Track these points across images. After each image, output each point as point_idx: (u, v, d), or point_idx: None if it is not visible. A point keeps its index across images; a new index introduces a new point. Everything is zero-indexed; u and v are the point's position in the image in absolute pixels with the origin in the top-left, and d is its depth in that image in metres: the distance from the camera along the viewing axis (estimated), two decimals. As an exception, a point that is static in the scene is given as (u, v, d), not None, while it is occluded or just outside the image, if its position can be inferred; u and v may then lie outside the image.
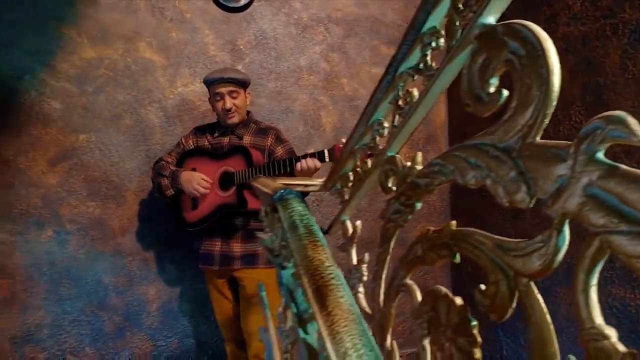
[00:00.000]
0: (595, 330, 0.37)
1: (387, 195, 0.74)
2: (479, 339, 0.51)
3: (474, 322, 0.52)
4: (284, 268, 0.70)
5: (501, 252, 0.48)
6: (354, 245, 0.91)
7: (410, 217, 0.69)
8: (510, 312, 0.47)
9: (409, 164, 0.68)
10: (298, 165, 1.60)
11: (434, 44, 0.63)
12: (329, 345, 0.41)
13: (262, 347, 1.62)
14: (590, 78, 1.71)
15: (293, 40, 2.24)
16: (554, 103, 0.42)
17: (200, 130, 1.86)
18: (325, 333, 0.43)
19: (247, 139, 1.79)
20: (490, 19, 0.52)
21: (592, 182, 0.35)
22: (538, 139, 0.43)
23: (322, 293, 0.46)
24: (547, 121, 0.43)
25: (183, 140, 1.85)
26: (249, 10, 2.17)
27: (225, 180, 1.71)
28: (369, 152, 0.85)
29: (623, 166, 0.33)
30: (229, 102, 1.70)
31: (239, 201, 1.66)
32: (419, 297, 0.66)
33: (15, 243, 1.83)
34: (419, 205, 0.67)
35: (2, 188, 1.81)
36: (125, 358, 1.99)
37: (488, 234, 0.51)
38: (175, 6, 2.07)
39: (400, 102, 0.72)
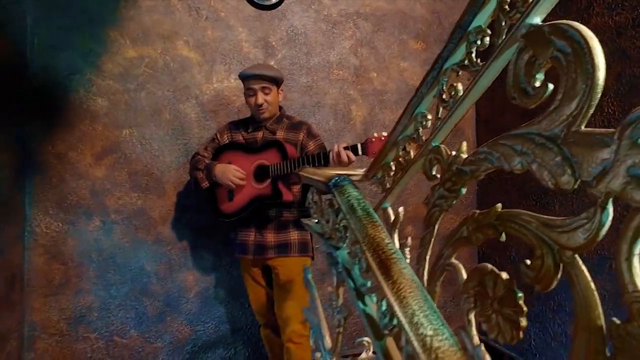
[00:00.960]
0: (638, 293, 0.42)
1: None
2: (525, 308, 0.57)
3: (520, 294, 0.58)
4: (337, 249, 0.77)
5: (547, 229, 0.53)
6: (396, 230, 0.97)
7: (454, 202, 0.75)
8: (555, 282, 0.53)
9: (454, 152, 0.74)
10: (331, 157, 1.63)
11: (479, 42, 0.68)
12: (397, 309, 0.48)
13: (296, 331, 1.70)
14: (624, 68, 1.71)
15: (323, 35, 2.30)
16: (599, 95, 0.47)
17: (234, 125, 1.92)
18: (392, 299, 0.49)
19: (280, 134, 1.83)
20: (537, 19, 0.57)
21: (635, 164, 0.40)
22: (583, 127, 0.49)
23: (385, 265, 0.53)
24: (591, 111, 0.48)
25: (218, 135, 1.91)
26: (280, 7, 2.24)
27: (260, 173, 1.76)
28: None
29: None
30: (260, 98, 1.75)
31: (274, 192, 1.71)
32: (464, 274, 0.71)
33: (68, 231, 1.96)
34: (463, 191, 0.73)
35: (56, 180, 1.95)
36: (166, 341, 2.10)
37: (533, 214, 0.56)
38: (210, 5, 2.16)
39: (444, 96, 0.78)
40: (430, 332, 0.44)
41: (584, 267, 0.49)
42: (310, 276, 1.12)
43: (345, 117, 2.30)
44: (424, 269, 0.84)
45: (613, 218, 0.46)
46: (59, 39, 1.94)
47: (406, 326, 0.45)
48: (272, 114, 1.83)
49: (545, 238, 0.53)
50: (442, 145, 0.78)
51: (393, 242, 0.60)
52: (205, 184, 1.80)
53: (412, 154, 0.92)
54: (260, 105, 1.76)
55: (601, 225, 0.45)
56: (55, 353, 1.94)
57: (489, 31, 0.67)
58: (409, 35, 2.42)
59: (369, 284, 0.64)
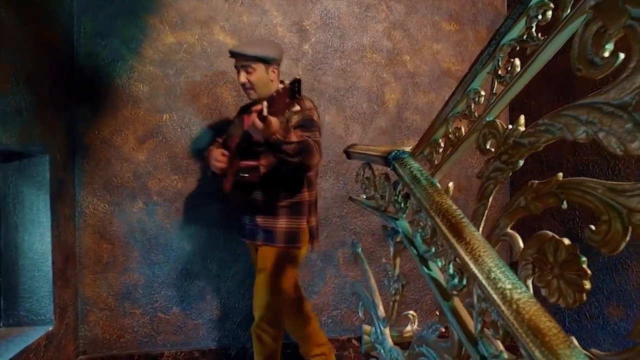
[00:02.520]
0: None
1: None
2: (589, 272, 0.59)
3: (584, 258, 0.60)
4: (396, 219, 0.81)
5: (614, 194, 0.55)
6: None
7: (510, 174, 0.77)
8: (623, 245, 0.55)
9: (510, 126, 0.76)
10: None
11: (540, 16, 0.69)
12: (472, 267, 0.51)
13: (259, 325, 1.68)
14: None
15: (356, 19, 2.30)
16: (673, 63, 0.48)
17: (242, 109, 1.88)
18: (467, 258, 0.52)
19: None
20: (606, -11, 0.58)
21: None
22: (655, 94, 0.50)
23: (457, 229, 0.56)
24: (664, 79, 0.49)
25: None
26: (313, -9, 2.25)
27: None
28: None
29: None
30: (242, 77, 1.63)
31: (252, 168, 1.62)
32: (521, 243, 0.74)
33: (114, 212, 2.06)
34: (521, 163, 0.75)
35: (103, 163, 2.04)
36: (205, 318, 2.19)
37: (598, 180, 0.58)
38: (245, -9, 2.19)
39: (500, 72, 0.79)
40: (509, 286, 0.47)
41: (655, 232, 0.52)
42: (359, 250, 1.16)
43: (379, 100, 2.31)
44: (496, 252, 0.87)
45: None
46: (103, 27, 2.01)
47: (484, 282, 0.49)
48: (262, 95, 1.64)
49: (612, 203, 0.55)
50: (497, 120, 0.80)
51: (481, 237, 0.63)
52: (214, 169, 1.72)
53: (463, 130, 0.94)
54: (243, 85, 1.65)
55: (674, 186, 0.47)
56: (105, 326, 2.05)
57: (552, 5, 0.68)
58: (442, 17, 2.40)
59: (433, 249, 0.68)
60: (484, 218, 0.85)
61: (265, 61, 1.63)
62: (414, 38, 2.36)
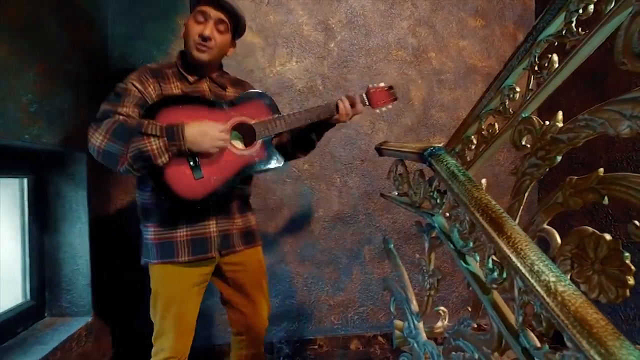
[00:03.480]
0: None
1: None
2: (633, 268, 0.59)
3: (627, 254, 0.60)
4: (432, 215, 0.82)
5: (659, 189, 0.55)
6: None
7: (547, 169, 0.77)
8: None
9: (547, 122, 0.76)
10: (341, 107, 1.42)
11: (581, 11, 0.69)
12: (514, 260, 0.52)
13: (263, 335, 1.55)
14: None
15: (381, 16, 2.30)
16: None
17: (158, 74, 1.32)
18: (508, 252, 0.53)
19: (230, 91, 1.43)
20: (652, -17, 0.58)
21: None
22: None
23: (497, 223, 0.57)
24: None
25: (136, 86, 1.26)
26: (339, -11, 2.26)
27: (239, 135, 1.37)
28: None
29: None
30: (210, 30, 1.28)
31: (271, 157, 1.34)
32: (559, 239, 0.74)
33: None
34: (558, 159, 0.75)
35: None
36: (234, 312, 2.23)
37: (640, 175, 0.58)
38: (271, -9, 2.22)
39: (536, 68, 0.79)
40: (553, 279, 0.48)
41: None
42: (392, 246, 1.17)
43: (404, 98, 2.31)
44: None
45: None
46: (135, 30, 2.07)
47: (527, 274, 0.49)
48: (212, 60, 1.34)
49: (658, 198, 0.55)
50: (533, 116, 0.80)
51: (522, 230, 0.63)
52: (165, 159, 1.14)
53: (496, 126, 0.94)
54: (206, 39, 1.28)
55: None
56: (143, 318, 2.12)
57: (593, -1, 0.68)
58: (467, 13, 2.38)
59: (470, 244, 0.68)
60: (519, 214, 0.86)
61: (237, 29, 1.42)
62: (440, 35, 2.34)
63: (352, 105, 1.46)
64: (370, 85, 1.55)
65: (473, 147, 1.03)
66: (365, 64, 2.28)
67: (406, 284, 1.05)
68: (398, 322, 1.13)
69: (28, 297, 1.72)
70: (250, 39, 2.19)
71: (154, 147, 1.12)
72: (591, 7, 0.68)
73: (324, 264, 2.26)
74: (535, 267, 0.49)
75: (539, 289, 0.48)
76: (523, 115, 0.83)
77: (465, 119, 1.02)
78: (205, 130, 1.18)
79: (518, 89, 0.87)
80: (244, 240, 1.41)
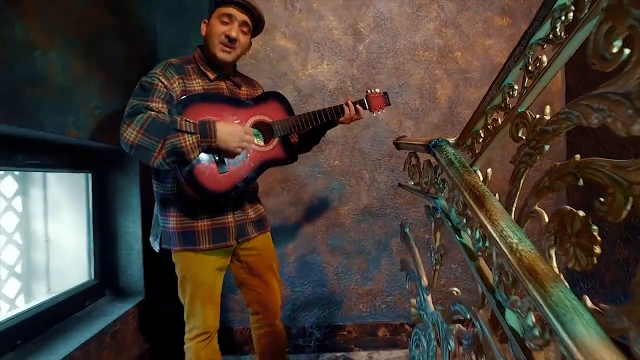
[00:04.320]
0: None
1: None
2: (599, 239, 0.69)
3: (595, 227, 0.69)
4: (436, 198, 0.93)
5: (618, 169, 0.65)
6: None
7: (538, 158, 0.87)
8: (624, 214, 0.64)
9: (538, 116, 0.86)
10: (346, 110, 1.56)
11: (563, 18, 0.79)
12: (489, 228, 0.64)
13: (278, 318, 1.70)
14: None
15: (408, 19, 2.40)
16: (666, 57, 0.58)
17: (181, 71, 1.41)
18: (486, 222, 0.65)
19: (244, 90, 1.55)
20: (615, -6, 0.67)
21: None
22: (652, 83, 0.59)
23: (480, 200, 0.68)
24: (658, 70, 0.59)
25: (163, 82, 1.33)
26: (367, -5, 2.39)
27: (258, 133, 1.49)
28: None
29: None
30: (236, 31, 1.38)
31: (289, 154, 1.48)
32: (547, 218, 0.84)
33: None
34: (546, 148, 0.84)
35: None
36: (269, 298, 2.41)
37: (607, 159, 0.68)
38: (304, -1, 2.37)
39: (530, 68, 0.89)
40: (515, 240, 0.59)
41: (648, 197, 0.61)
42: (407, 230, 1.28)
43: (431, 97, 2.40)
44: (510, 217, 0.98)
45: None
46: (179, 39, 2.29)
47: (497, 239, 0.61)
48: (234, 60, 1.47)
49: (616, 177, 0.65)
50: (527, 111, 0.90)
51: (500, 205, 0.74)
52: (196, 154, 1.24)
53: (499, 121, 1.04)
54: (232, 40, 1.38)
55: (662, 160, 0.57)
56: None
57: (573, 7, 0.77)
58: (494, 12, 2.43)
59: (464, 220, 0.79)
60: (517, 198, 0.96)
61: (257, 30, 1.53)
62: (465, 34, 2.41)
63: (356, 111, 1.59)
64: (369, 91, 1.67)
65: (481, 140, 1.14)
66: (393, 65, 2.39)
67: (418, 262, 1.16)
68: (414, 301, 1.25)
69: (92, 276, 1.96)
70: (283, 44, 2.36)
71: (188, 143, 1.20)
72: (570, 14, 0.78)
73: (353, 255, 2.39)
74: (504, 233, 0.61)
75: (504, 249, 0.59)
76: (519, 110, 0.93)
77: (473, 115, 1.13)
78: (233, 132, 1.28)
79: (516, 87, 0.97)
80: (256, 227, 1.55)
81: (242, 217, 1.49)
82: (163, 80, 1.33)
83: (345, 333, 2.39)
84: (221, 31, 1.38)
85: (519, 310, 0.59)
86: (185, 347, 1.54)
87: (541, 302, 0.50)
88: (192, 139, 1.21)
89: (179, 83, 1.37)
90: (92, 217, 1.97)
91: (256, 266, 1.59)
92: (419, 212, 2.41)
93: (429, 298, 1.07)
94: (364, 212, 2.39)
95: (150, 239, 1.56)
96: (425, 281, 1.11)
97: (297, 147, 1.67)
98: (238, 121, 1.38)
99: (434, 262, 1.00)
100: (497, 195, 1.07)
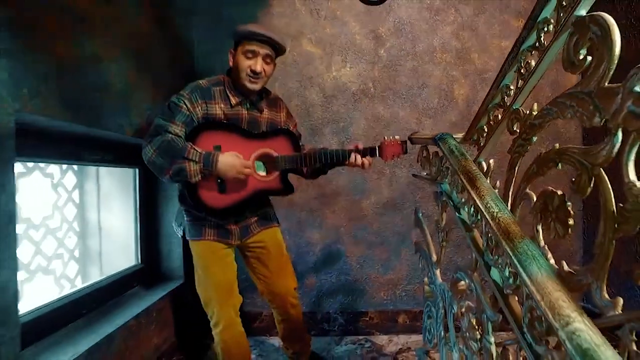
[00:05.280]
0: (631, 183, 0.68)
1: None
2: (572, 212, 0.83)
3: (569, 203, 0.84)
4: (442, 184, 1.09)
5: (585, 155, 0.79)
6: (488, 177, 1.25)
7: (528, 148, 1.01)
8: (588, 191, 0.79)
9: (528, 111, 1.01)
10: (352, 158, 1.60)
11: (545, 29, 0.94)
12: (478, 202, 0.80)
13: (292, 299, 1.85)
14: None
15: (426, 23, 2.55)
16: (616, 62, 0.72)
17: (206, 94, 1.56)
18: (476, 198, 0.81)
19: (266, 113, 1.70)
20: (582, 11, 0.83)
21: (632, 103, 0.66)
22: (606, 84, 0.74)
23: (472, 181, 0.83)
24: (611, 73, 0.74)
25: (187, 105, 1.52)
26: (387, 2, 2.54)
27: (262, 163, 1.63)
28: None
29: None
30: (260, 65, 1.53)
31: (286, 187, 1.62)
32: (535, 198, 0.98)
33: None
34: (534, 139, 0.99)
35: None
36: (298, 286, 2.59)
37: (578, 146, 0.82)
38: (328, 7, 2.55)
39: (522, 70, 1.04)
40: (496, 210, 0.75)
41: (606, 177, 0.75)
42: (420, 215, 1.44)
43: (449, 96, 2.53)
44: (508, 200, 1.12)
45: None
46: (215, 46, 2.51)
47: (483, 210, 0.77)
48: (261, 87, 1.62)
49: (583, 160, 0.80)
50: (520, 107, 1.05)
51: (488, 184, 0.90)
52: (198, 178, 1.46)
53: (499, 117, 1.19)
54: (258, 74, 1.54)
55: (613, 145, 0.71)
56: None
57: (552, 20, 0.92)
58: (510, 14, 2.54)
59: (462, 199, 0.95)
60: (512, 184, 1.11)
61: (278, 56, 1.66)
62: (482, 37, 2.53)
63: (362, 164, 1.61)
64: (385, 138, 1.65)
65: (485, 134, 1.29)
66: (412, 67, 2.53)
67: (429, 242, 1.32)
68: (426, 279, 1.40)
69: (139, 261, 2.20)
70: (310, 49, 2.54)
71: (191, 169, 1.43)
72: (551, 27, 0.92)
73: (375, 245, 2.55)
74: (488, 205, 0.76)
75: (488, 217, 0.75)
76: (514, 107, 1.08)
77: (477, 113, 1.28)
78: (233, 164, 1.46)
79: (512, 87, 1.12)
80: (259, 223, 1.73)
81: (245, 223, 1.69)
82: (187, 103, 1.51)
83: (367, 319, 2.54)
84: (247, 65, 1.53)
85: (500, 266, 0.75)
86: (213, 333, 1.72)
87: (511, 253, 0.66)
88: (196, 167, 1.43)
89: (201, 107, 1.54)
90: (139, 208, 2.20)
91: (264, 258, 1.76)
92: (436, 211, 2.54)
93: (438, 272, 1.22)
94: (385, 205, 2.55)
95: (173, 225, 1.81)
96: (434, 257, 1.27)
97: (301, 174, 1.82)
98: (242, 155, 1.53)
99: (441, 239, 1.15)
100: (498, 182, 1.22)
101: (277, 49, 1.61)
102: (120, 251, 2.17)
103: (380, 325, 2.52)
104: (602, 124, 0.75)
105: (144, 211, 2.24)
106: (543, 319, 0.58)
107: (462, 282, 1.00)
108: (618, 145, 0.72)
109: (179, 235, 1.74)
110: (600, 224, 0.76)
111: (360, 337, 2.40)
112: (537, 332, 0.60)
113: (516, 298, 0.73)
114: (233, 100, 1.59)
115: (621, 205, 0.73)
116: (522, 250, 0.65)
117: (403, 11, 2.55)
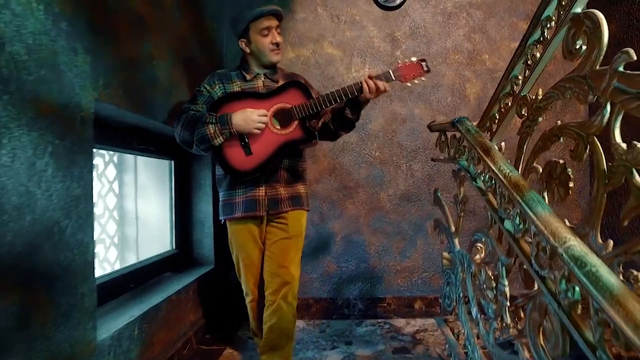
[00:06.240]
0: (617, 144, 0.84)
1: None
2: (572, 176, 0.99)
3: (569, 169, 1.00)
4: (460, 161, 1.26)
5: (581, 127, 0.95)
6: (499, 158, 1.42)
7: (535, 128, 1.18)
8: (584, 157, 0.95)
9: (534, 96, 1.17)
10: (365, 87, 1.58)
11: (548, 25, 1.10)
12: (492, 167, 0.96)
13: (293, 292, 1.71)
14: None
15: (440, 26, 2.72)
16: (604, 49, 0.88)
17: (223, 77, 1.75)
18: (490, 164, 0.97)
19: (282, 82, 1.73)
20: (578, 9, 0.99)
21: (617, 81, 0.82)
22: (597, 67, 0.90)
23: (487, 151, 1.00)
24: (601, 58, 0.90)
25: (207, 87, 1.72)
26: (403, 7, 2.73)
27: (280, 119, 1.64)
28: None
29: (629, 72, 0.80)
30: (277, 37, 1.67)
31: (308, 134, 1.62)
32: (541, 169, 1.14)
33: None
34: (540, 120, 1.15)
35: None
36: (318, 273, 2.75)
37: (576, 121, 0.99)
38: (347, 12, 2.74)
39: (529, 62, 1.20)
40: (507, 170, 0.92)
41: (597, 143, 0.91)
42: (439, 194, 1.61)
43: (461, 95, 2.70)
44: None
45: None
46: (243, 49, 2.71)
47: (497, 172, 0.93)
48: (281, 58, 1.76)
49: (580, 132, 0.96)
50: (527, 94, 1.21)
51: (500, 154, 1.06)
52: (220, 140, 1.56)
53: (509, 104, 1.35)
54: (278, 45, 1.68)
55: (603, 116, 0.88)
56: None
57: (554, 17, 1.09)
58: (519, 17, 2.71)
59: (478, 170, 1.11)
60: (522, 160, 1.27)
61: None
62: (492, 39, 2.70)
63: (376, 87, 1.59)
64: (399, 62, 1.65)
65: (497, 121, 1.45)
66: (426, 67, 2.71)
67: (448, 216, 1.47)
68: (445, 253, 1.56)
69: (174, 247, 2.39)
70: (331, 52, 2.73)
71: (211, 131, 1.54)
72: (552, 23, 1.09)
73: (392, 235, 2.71)
74: (501, 167, 0.93)
75: (501, 177, 0.92)
76: (522, 94, 1.24)
77: (489, 102, 1.44)
78: (247, 116, 1.54)
79: (520, 77, 1.28)
80: (290, 202, 1.72)
81: (274, 193, 1.70)
82: (207, 86, 1.71)
83: (385, 305, 2.70)
84: (268, 42, 1.66)
85: (512, 217, 0.91)
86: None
87: (520, 200, 0.82)
88: (214, 128, 1.55)
89: (219, 87, 1.72)
90: (174, 198, 2.39)
91: (278, 235, 1.72)
92: (450, 197, 2.70)
93: (456, 241, 1.38)
94: (402, 197, 2.71)
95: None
96: (453, 228, 1.43)
97: (331, 129, 1.78)
98: (270, 108, 1.61)
99: (459, 210, 1.31)
100: (509, 160, 1.38)
101: (280, 17, 1.72)
102: (155, 239, 2.36)
103: (398, 311, 2.67)
104: (594, 100, 0.91)
105: (178, 202, 2.42)
106: (547, 248, 0.74)
107: (479, 244, 1.16)
108: (607, 116, 0.88)
109: (222, 222, 1.86)
110: (594, 181, 0.91)
111: (380, 320, 2.55)
112: (542, 259, 0.76)
113: (526, 239, 0.89)
114: (248, 76, 1.73)
115: (610, 164, 0.89)
116: (529, 197, 0.82)
117: (418, 16, 2.73)
